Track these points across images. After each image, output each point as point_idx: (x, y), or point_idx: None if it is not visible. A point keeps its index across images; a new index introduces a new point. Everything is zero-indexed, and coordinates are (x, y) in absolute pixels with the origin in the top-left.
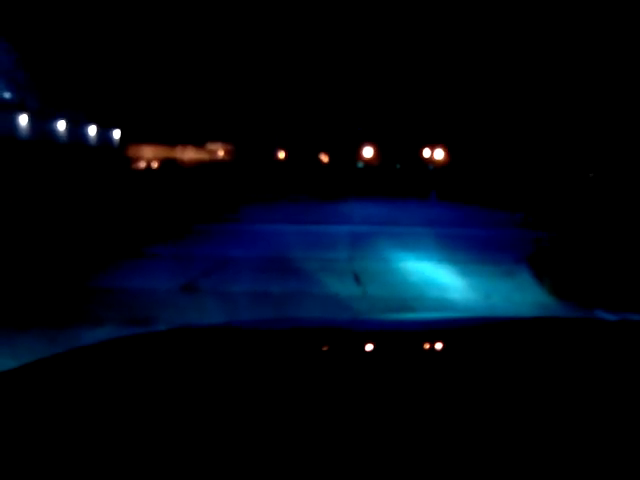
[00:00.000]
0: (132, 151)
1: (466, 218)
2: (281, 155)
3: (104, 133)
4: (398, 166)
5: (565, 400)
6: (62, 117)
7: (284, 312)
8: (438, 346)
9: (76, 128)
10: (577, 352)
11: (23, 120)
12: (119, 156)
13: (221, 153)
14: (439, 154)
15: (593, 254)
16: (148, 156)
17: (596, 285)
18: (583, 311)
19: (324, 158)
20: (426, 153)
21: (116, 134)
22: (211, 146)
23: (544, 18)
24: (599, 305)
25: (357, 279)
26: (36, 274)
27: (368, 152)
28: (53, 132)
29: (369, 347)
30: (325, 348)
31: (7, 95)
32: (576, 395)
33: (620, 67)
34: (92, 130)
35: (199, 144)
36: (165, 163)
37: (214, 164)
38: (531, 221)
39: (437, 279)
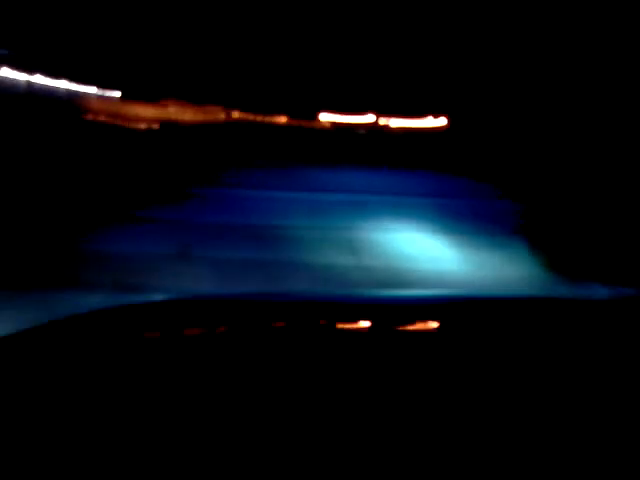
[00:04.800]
0: (128, 111)
1: (462, 188)
2: (280, 119)
3: (102, 93)
4: (398, 134)
5: (561, 384)
6: (61, 77)
7: (278, 281)
8: (432, 325)
9: (74, 88)
10: (571, 336)
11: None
12: (115, 116)
13: (220, 114)
14: (438, 123)
15: (588, 226)
16: (145, 116)
17: (588, 257)
18: (575, 284)
19: (325, 123)
20: (425, 122)
21: (113, 94)
22: (209, 107)
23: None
24: (591, 278)
25: (352, 249)
26: (26, 236)
27: (369, 119)
28: (51, 91)
29: (364, 323)
30: (321, 323)
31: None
32: (572, 380)
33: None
34: (90, 90)
35: (197, 104)
36: (162, 124)
37: (212, 126)
38: (526, 192)
39: (431, 251)
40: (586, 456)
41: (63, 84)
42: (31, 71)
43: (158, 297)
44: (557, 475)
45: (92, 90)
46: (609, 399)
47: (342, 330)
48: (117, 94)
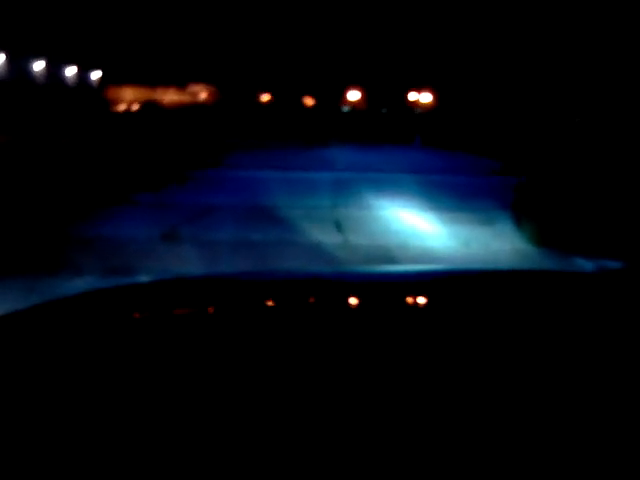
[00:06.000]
0: (111, 93)
1: (449, 165)
2: (265, 98)
3: (83, 74)
4: (384, 110)
5: (549, 356)
6: (40, 57)
7: (266, 261)
8: (420, 300)
9: (54, 69)
10: (556, 307)
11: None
12: (98, 98)
13: (203, 95)
14: (425, 98)
15: (574, 201)
16: (128, 98)
17: (575, 232)
18: (562, 258)
19: (309, 102)
20: (412, 97)
21: (95, 75)
22: (193, 88)
23: None
24: (578, 252)
25: (339, 227)
26: (14, 221)
27: (354, 96)
28: (30, 72)
29: (352, 300)
30: (311, 301)
31: None
32: (560, 352)
33: (614, 11)
34: (71, 71)
35: (180, 86)
36: (145, 106)
37: (196, 107)
38: (515, 168)
39: (418, 227)
40: (574, 426)
41: (44, 65)
42: (15, 53)
43: (146, 279)
44: (549, 442)
45: (74, 72)
46: (595, 370)
47: (331, 307)
48: (98, 76)
